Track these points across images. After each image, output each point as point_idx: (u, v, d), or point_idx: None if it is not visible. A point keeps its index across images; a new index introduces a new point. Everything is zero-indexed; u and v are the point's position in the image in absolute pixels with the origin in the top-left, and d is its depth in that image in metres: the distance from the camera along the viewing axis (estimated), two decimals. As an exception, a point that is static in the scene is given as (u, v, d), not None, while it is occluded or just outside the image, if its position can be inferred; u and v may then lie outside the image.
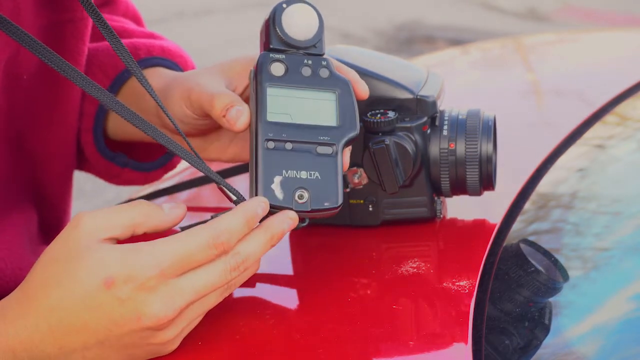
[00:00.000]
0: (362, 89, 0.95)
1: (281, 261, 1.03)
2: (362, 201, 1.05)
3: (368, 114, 1.02)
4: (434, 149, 1.03)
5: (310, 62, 0.93)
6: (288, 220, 0.85)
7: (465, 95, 1.46)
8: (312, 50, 0.93)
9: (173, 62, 1.15)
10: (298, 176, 0.87)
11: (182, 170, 1.37)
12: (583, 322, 0.95)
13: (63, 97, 1.08)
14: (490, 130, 1.04)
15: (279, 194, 0.86)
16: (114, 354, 0.83)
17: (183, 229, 1.01)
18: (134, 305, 0.80)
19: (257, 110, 0.90)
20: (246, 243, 0.84)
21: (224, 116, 0.93)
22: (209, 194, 1.28)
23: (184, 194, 1.27)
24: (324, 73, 0.92)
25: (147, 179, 1.22)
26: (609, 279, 1.01)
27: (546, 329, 0.93)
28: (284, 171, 0.87)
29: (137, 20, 1.25)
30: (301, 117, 0.90)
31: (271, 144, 0.88)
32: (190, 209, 1.25)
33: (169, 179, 1.35)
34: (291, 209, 0.86)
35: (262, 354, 0.86)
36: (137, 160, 1.19)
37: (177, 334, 0.83)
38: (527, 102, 1.48)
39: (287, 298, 0.95)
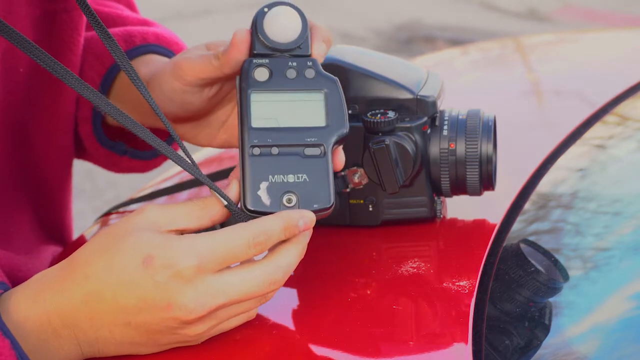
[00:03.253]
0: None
1: (281, 261, 1.03)
2: (362, 201, 1.05)
3: (368, 114, 1.02)
4: (434, 149, 1.03)
5: (295, 63, 0.92)
6: (310, 231, 0.86)
7: (465, 95, 1.46)
8: (297, 51, 0.92)
9: (168, 49, 1.15)
10: (285, 180, 0.87)
11: (183, 170, 1.37)
12: (583, 322, 0.95)
13: (60, 89, 1.08)
14: (490, 130, 1.04)
15: (265, 200, 0.86)
16: (140, 336, 0.83)
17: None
18: (166, 292, 0.80)
19: (242, 117, 0.89)
20: (287, 257, 0.84)
21: (221, 55, 0.93)
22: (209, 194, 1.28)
23: (184, 194, 1.27)
24: (310, 74, 0.91)
25: (147, 166, 1.22)
26: (609, 279, 1.01)
27: (546, 329, 0.93)
28: (270, 176, 0.87)
29: (130, 5, 1.25)
30: (288, 121, 0.89)
31: (256, 150, 0.87)
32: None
33: (169, 179, 1.35)
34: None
35: (262, 354, 0.86)
36: (136, 148, 1.19)
37: (205, 330, 0.84)
38: (527, 102, 1.48)
39: (287, 298, 0.95)
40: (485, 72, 1.78)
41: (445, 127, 1.04)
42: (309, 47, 0.93)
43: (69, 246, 1.18)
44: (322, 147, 0.88)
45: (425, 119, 1.03)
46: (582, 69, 1.62)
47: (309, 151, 0.88)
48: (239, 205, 0.87)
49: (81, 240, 1.19)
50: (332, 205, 0.87)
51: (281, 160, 0.87)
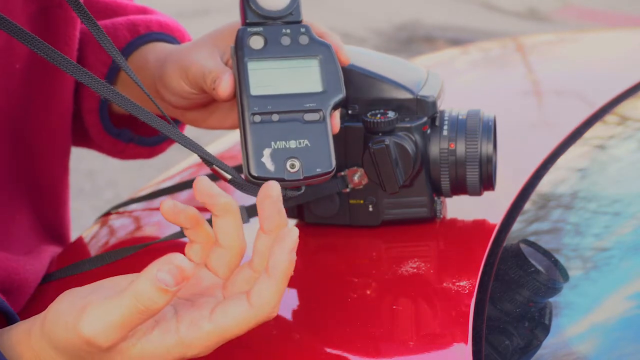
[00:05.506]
0: (345, 55, 0.95)
1: (281, 261, 1.03)
2: (362, 201, 1.05)
3: (368, 114, 1.02)
4: (434, 149, 1.03)
5: (288, 30, 0.93)
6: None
7: (465, 95, 1.46)
8: (289, 18, 0.94)
9: (172, 36, 1.16)
10: (287, 146, 0.88)
11: (183, 170, 1.37)
12: (583, 322, 0.95)
13: (57, 84, 1.08)
14: (490, 130, 1.04)
15: (270, 166, 0.87)
16: None
17: None
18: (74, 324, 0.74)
19: (240, 86, 0.91)
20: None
21: (214, 89, 0.95)
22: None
23: (184, 194, 1.26)
24: (304, 40, 0.93)
25: (152, 152, 1.23)
26: (609, 279, 1.01)
27: (546, 329, 0.93)
28: (272, 143, 0.88)
29: None
30: (285, 87, 0.91)
31: (257, 118, 0.89)
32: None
33: (168, 179, 1.35)
34: (283, 179, 0.87)
35: (261, 354, 0.86)
36: (142, 134, 1.20)
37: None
38: (527, 102, 1.48)
39: (287, 298, 0.94)
40: (485, 72, 1.77)
41: (445, 127, 1.04)
42: (300, 13, 0.94)
43: (67, 247, 1.18)
44: (320, 113, 0.90)
45: (425, 119, 1.03)
46: (582, 69, 1.62)
47: (308, 117, 0.90)
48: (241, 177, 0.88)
49: (80, 241, 1.18)
50: (333, 169, 0.89)
51: (282, 126, 0.89)
